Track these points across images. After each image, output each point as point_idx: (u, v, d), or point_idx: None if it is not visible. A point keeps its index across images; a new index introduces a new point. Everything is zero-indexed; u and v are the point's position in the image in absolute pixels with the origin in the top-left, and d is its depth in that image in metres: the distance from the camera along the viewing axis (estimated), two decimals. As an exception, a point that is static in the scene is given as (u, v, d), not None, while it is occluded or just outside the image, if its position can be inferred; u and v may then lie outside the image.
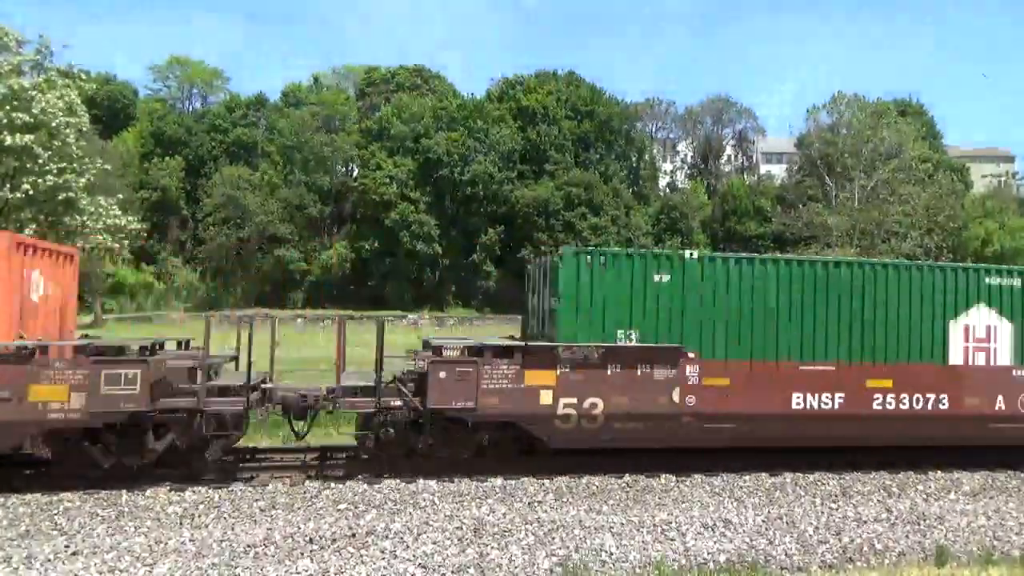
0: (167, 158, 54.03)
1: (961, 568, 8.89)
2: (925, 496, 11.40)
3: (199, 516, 9.47)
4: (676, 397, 11.39)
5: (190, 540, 8.68)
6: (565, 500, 10.55)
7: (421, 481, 10.97)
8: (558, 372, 11.07)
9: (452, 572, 8.28)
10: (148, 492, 10.19)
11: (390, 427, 11.03)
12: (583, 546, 9.00)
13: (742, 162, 69.70)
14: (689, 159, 68.29)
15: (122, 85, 61.89)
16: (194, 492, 10.23)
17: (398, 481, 10.95)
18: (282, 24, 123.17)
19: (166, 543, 8.57)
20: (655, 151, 64.94)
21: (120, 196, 28.36)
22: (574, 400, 11.10)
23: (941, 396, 12.28)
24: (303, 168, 52.37)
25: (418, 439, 11.21)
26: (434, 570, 8.28)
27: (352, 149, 52.74)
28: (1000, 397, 12.49)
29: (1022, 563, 9.11)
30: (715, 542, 9.34)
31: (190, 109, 65.22)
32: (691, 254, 11.93)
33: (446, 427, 11.17)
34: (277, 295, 49.84)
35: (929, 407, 12.23)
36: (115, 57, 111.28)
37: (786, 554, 9.17)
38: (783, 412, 11.74)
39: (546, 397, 11.04)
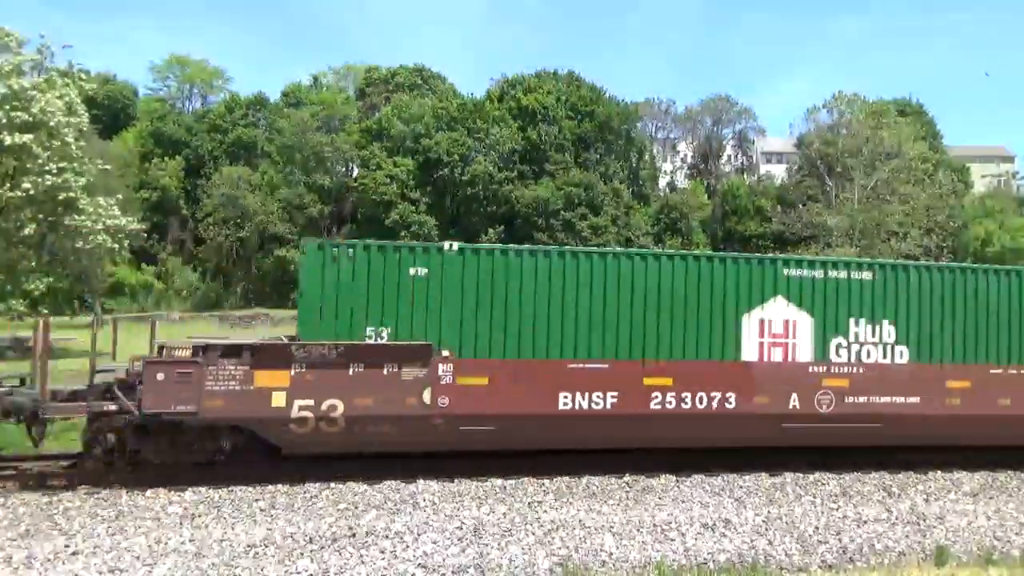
0: (167, 158, 54.02)
1: (961, 568, 8.90)
2: (925, 496, 11.40)
3: (199, 516, 9.48)
4: (427, 398, 10.70)
5: (190, 540, 8.68)
6: (565, 500, 10.55)
7: (421, 481, 10.97)
8: (292, 372, 10.34)
9: (452, 572, 8.29)
10: (148, 492, 10.20)
11: (109, 433, 10.42)
12: (583, 546, 9.01)
13: (742, 162, 69.65)
14: (689, 159, 68.27)
15: (122, 85, 61.88)
16: (194, 492, 10.24)
17: (398, 481, 10.96)
18: (282, 24, 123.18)
19: (166, 543, 8.58)
20: (655, 151, 64.93)
21: (120, 196, 28.31)
22: (310, 402, 10.36)
23: (728, 395, 11.57)
24: (303, 168, 52.35)
25: (145, 445, 10.63)
26: (434, 570, 8.29)
27: (352, 149, 52.71)
28: (794, 395, 11.78)
29: (1022, 563, 9.11)
30: (715, 542, 9.35)
31: (190, 109, 65.21)
32: (450, 246, 11.11)
33: (179, 432, 10.61)
34: (277, 295, 49.86)
35: (714, 406, 11.53)
36: (115, 57, 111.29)
37: (786, 554, 9.17)
38: (549, 413, 11.06)
39: (279, 399, 10.29)
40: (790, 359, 11.88)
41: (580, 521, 9.73)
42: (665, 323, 11.50)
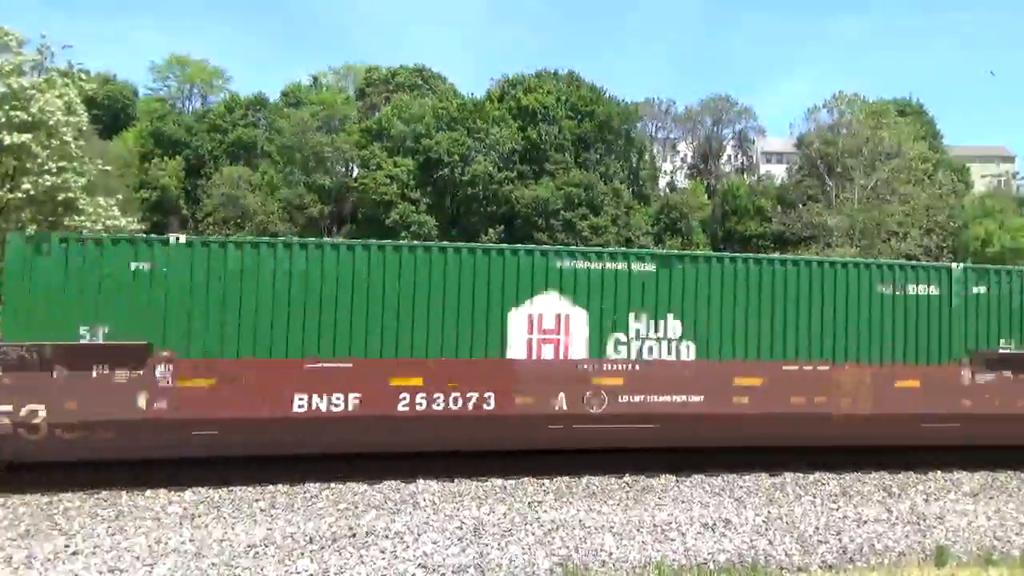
0: (167, 158, 54.04)
1: (961, 568, 8.90)
2: (925, 496, 11.40)
3: (199, 516, 9.49)
4: (142, 402, 10.02)
5: (190, 540, 8.69)
6: (565, 500, 10.55)
7: (421, 481, 10.98)
8: None
9: (452, 572, 8.29)
10: (148, 492, 10.21)
11: None
12: (583, 546, 9.01)
13: (742, 162, 69.73)
14: (689, 159, 68.33)
15: (122, 85, 61.93)
16: (194, 492, 10.24)
17: (398, 481, 10.96)
18: (282, 24, 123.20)
19: (166, 543, 8.58)
20: (655, 151, 64.96)
21: (120, 196, 28.32)
22: (8, 408, 9.66)
23: (487, 395, 10.94)
24: (303, 168, 52.39)
25: None
26: (434, 570, 8.29)
27: (352, 149, 52.73)
28: (562, 395, 11.17)
29: (1022, 563, 9.11)
30: (715, 542, 9.35)
31: (190, 109, 65.22)
32: (176, 239, 10.39)
33: None
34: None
35: (471, 407, 10.89)
36: (115, 57, 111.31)
37: (786, 554, 9.17)
38: (283, 416, 10.39)
39: None
40: (562, 356, 11.22)
41: (580, 521, 9.74)
42: (420, 318, 10.84)
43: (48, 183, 20.78)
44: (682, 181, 65.93)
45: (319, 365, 10.56)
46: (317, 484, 10.71)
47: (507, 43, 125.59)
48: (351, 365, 10.61)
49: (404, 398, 10.77)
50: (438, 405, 10.86)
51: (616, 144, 53.96)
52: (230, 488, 10.46)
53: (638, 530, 9.55)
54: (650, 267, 11.59)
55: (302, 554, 8.47)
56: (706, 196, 59.24)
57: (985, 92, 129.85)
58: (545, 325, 11.24)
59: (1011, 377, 12.64)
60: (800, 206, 48.02)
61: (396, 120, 50.32)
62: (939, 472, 12.53)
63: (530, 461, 11.82)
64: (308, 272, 10.61)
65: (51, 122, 21.18)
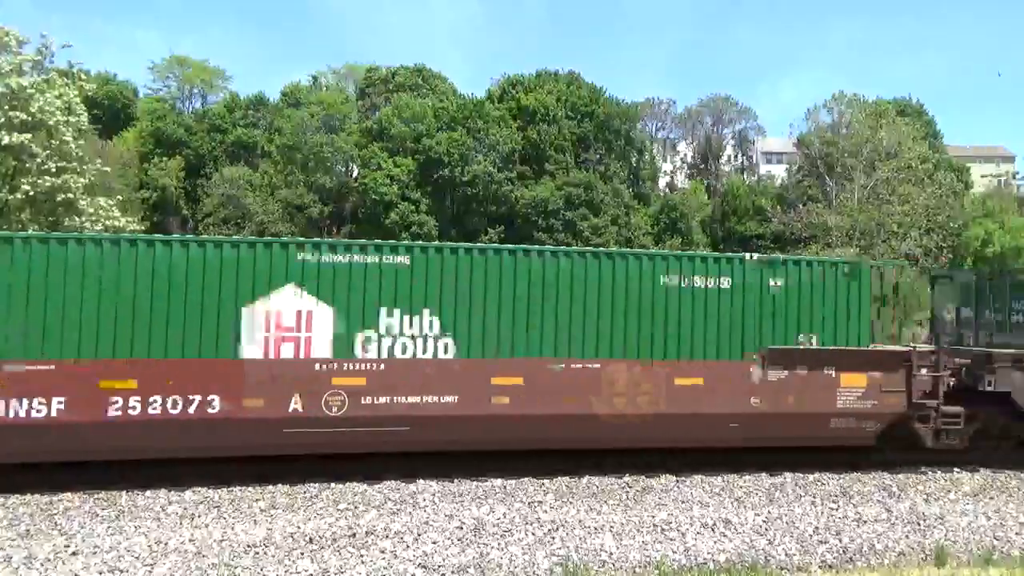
0: (167, 158, 54.05)
1: (961, 568, 8.90)
2: (925, 496, 11.40)
3: (199, 516, 9.49)
4: None
5: (190, 540, 8.69)
6: (565, 500, 10.56)
7: (421, 481, 10.99)
8: None
9: (452, 572, 8.29)
10: (148, 492, 10.21)
11: None
12: (583, 546, 9.01)
13: (742, 162, 69.79)
14: (689, 159, 68.37)
15: (122, 85, 61.89)
16: (194, 492, 10.25)
17: (398, 481, 10.97)
18: (282, 24, 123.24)
19: (166, 543, 8.59)
20: (655, 151, 64.98)
21: (120, 197, 28.36)
22: None
23: (210, 398, 10.23)
24: (303, 168, 52.38)
25: None
26: (434, 570, 8.29)
27: (352, 149, 52.73)
28: (296, 397, 10.51)
29: (1022, 563, 9.11)
30: (715, 542, 9.35)
31: (190, 109, 65.21)
32: None
33: None
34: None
35: (192, 411, 10.16)
36: (115, 57, 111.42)
37: (786, 554, 9.17)
38: None
39: None
40: (303, 355, 10.58)
41: (580, 521, 9.74)
42: (141, 316, 10.13)
43: (47, 184, 20.80)
44: (682, 181, 65.96)
45: (15, 367, 9.80)
46: (317, 484, 10.72)
47: (506, 44, 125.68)
48: (53, 367, 9.89)
49: (116, 402, 10.05)
50: (154, 409, 10.15)
51: (616, 144, 53.96)
52: (230, 488, 10.46)
53: (638, 530, 9.56)
54: (404, 259, 10.96)
55: (302, 554, 8.47)
56: (706, 196, 59.27)
57: (985, 92, 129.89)
58: (284, 322, 10.57)
59: (806, 374, 11.94)
60: (800, 206, 48.02)
61: (396, 120, 50.32)
62: (939, 472, 12.53)
63: (530, 462, 11.83)
64: (12, 267, 9.84)
65: (51, 122, 21.20)
